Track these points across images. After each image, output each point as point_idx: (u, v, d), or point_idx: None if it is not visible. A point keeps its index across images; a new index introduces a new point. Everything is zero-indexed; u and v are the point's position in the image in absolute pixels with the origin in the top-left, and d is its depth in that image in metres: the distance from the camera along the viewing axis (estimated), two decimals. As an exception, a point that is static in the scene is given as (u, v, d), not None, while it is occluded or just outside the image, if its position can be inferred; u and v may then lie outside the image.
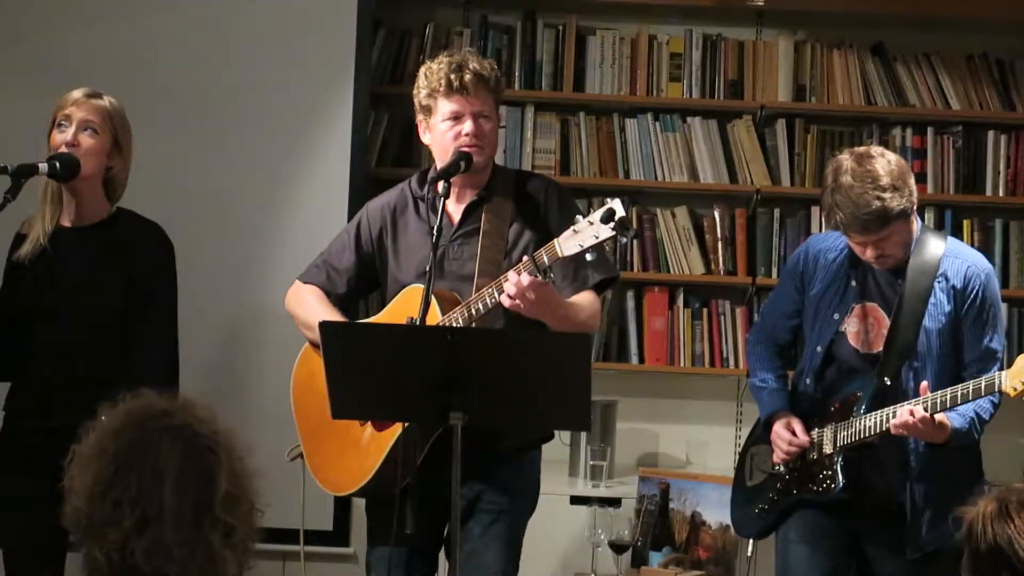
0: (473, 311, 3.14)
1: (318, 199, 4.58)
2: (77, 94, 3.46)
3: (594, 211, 2.96)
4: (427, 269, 3.06)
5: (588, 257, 2.99)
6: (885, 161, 3.24)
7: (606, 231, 2.91)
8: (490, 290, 3.12)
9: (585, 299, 3.28)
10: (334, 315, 3.37)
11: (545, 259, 3.03)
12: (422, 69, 3.36)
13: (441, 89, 3.27)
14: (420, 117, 3.36)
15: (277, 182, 4.60)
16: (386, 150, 4.89)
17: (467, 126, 3.27)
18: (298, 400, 3.46)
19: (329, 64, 4.59)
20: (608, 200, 2.93)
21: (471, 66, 3.28)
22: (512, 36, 4.94)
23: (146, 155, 4.29)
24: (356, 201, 4.48)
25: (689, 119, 4.91)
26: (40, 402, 3.43)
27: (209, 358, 4.42)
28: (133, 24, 4.57)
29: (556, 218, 3.29)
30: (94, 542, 1.80)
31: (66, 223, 3.48)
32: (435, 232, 3.10)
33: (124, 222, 3.54)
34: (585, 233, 2.95)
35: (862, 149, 3.31)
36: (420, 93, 3.33)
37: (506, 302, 3.06)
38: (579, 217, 2.98)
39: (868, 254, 3.29)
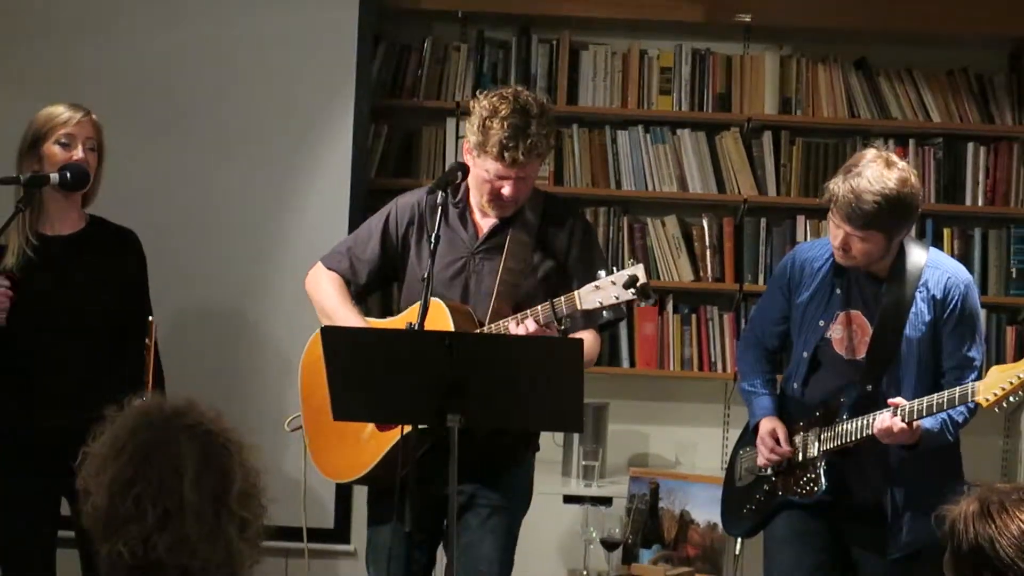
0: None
1: (319, 209, 4.59)
2: (76, 113, 3.43)
3: (617, 269, 3.05)
4: (423, 277, 3.10)
5: (605, 314, 3.12)
6: (907, 182, 3.24)
7: (627, 295, 3.02)
8: (508, 324, 3.18)
9: (585, 337, 3.26)
10: (350, 309, 3.39)
11: (564, 308, 3.12)
12: (482, 107, 3.22)
13: (492, 153, 3.20)
14: (467, 144, 3.28)
15: (279, 193, 4.62)
16: (385, 162, 4.91)
17: (506, 190, 3.25)
18: (306, 381, 3.43)
19: (331, 78, 4.60)
20: (631, 263, 3.05)
21: (529, 140, 3.17)
22: (507, 51, 4.95)
23: (150, 168, 4.33)
24: (356, 211, 4.52)
25: (679, 131, 4.93)
26: (34, 406, 3.42)
27: (211, 366, 4.42)
28: (138, 39, 4.58)
29: (575, 258, 3.35)
30: (116, 537, 1.84)
31: (49, 232, 3.45)
32: (433, 240, 3.13)
33: (105, 229, 3.54)
34: (606, 292, 3.05)
35: (898, 160, 3.28)
36: (472, 138, 3.23)
37: None
38: (602, 273, 3.06)
39: (836, 240, 3.30)
